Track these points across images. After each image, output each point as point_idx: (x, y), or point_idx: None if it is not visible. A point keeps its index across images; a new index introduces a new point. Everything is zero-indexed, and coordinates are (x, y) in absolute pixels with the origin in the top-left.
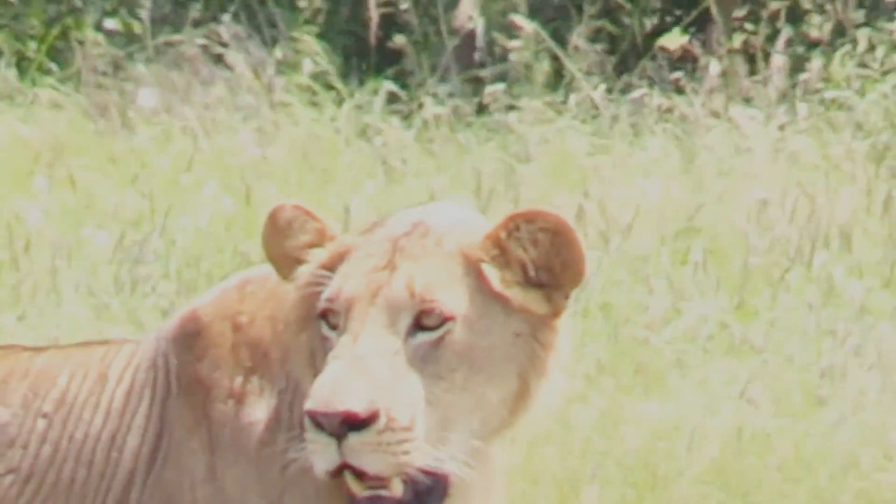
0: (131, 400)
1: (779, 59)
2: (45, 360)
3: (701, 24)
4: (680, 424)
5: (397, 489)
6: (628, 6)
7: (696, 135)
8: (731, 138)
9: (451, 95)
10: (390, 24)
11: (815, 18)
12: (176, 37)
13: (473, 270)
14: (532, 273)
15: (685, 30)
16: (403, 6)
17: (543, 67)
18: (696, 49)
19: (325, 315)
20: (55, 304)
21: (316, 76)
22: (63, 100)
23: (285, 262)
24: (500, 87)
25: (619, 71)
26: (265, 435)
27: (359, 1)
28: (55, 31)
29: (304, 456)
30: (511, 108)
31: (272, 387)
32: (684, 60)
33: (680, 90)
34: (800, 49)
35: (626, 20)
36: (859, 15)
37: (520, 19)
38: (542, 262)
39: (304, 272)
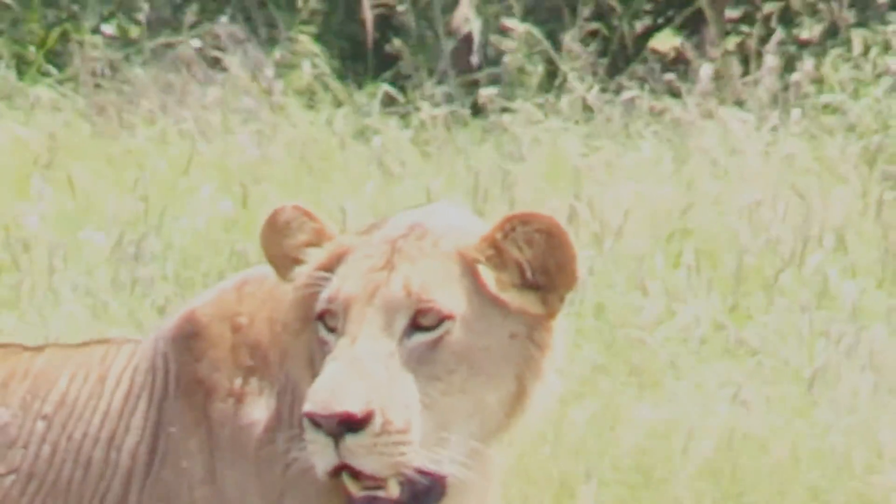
0: (130, 401)
1: (771, 60)
2: (44, 362)
3: (694, 26)
4: (674, 425)
5: (394, 490)
6: (620, 8)
7: (688, 136)
8: (723, 140)
9: (448, 98)
10: (387, 26)
11: (807, 21)
12: (173, 39)
13: (470, 271)
14: (528, 274)
15: (678, 31)
16: (400, 9)
17: (537, 69)
18: (689, 51)
19: (323, 316)
20: (53, 305)
21: (313, 78)
22: (61, 102)
23: (284, 263)
24: (494, 89)
25: (612, 72)
26: (264, 435)
27: (356, 3)
28: (54, 34)
29: (303, 456)
30: (505, 109)
31: (271, 387)
32: (677, 62)
33: (672, 92)
34: (792, 49)
35: (619, 22)
36: (851, 15)
37: (513, 22)
38: (538, 264)
39: (302, 273)
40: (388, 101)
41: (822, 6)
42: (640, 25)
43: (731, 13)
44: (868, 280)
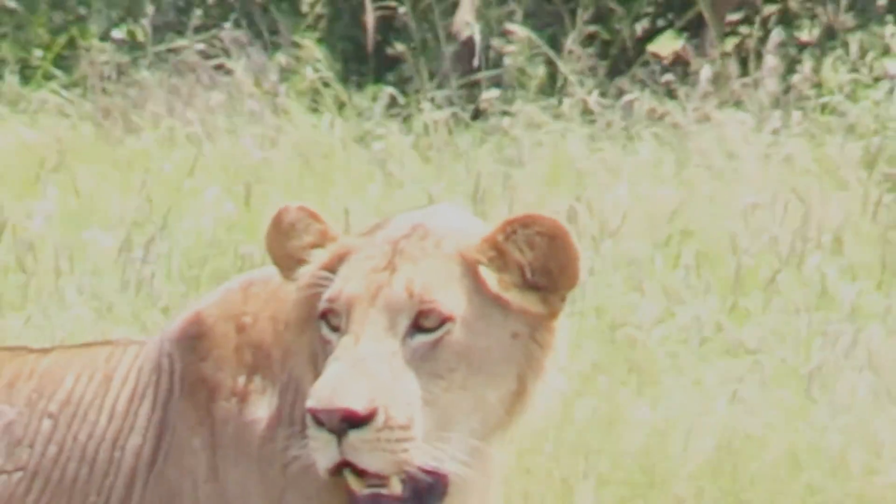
0: (135, 401)
1: (770, 61)
2: (50, 361)
3: (694, 29)
4: (673, 424)
5: (396, 487)
6: (620, 10)
7: (688, 138)
8: (723, 142)
9: (449, 101)
10: (389, 29)
11: (807, 23)
12: (178, 43)
13: (471, 272)
14: (529, 275)
15: (678, 33)
16: (402, 12)
17: (538, 72)
18: (689, 53)
19: (325, 315)
20: (59, 306)
21: (317, 79)
22: (68, 106)
23: (288, 263)
24: (496, 92)
25: (612, 76)
26: (267, 433)
27: (359, 7)
28: (61, 39)
29: (305, 454)
30: (506, 112)
31: (274, 386)
32: (676, 64)
33: (672, 94)
34: (792, 51)
35: (619, 25)
36: (849, 18)
37: (514, 25)
38: (539, 265)
39: (305, 273)
40: (391, 104)
41: (819, 10)
42: (640, 28)
43: (731, 16)
44: (866, 281)
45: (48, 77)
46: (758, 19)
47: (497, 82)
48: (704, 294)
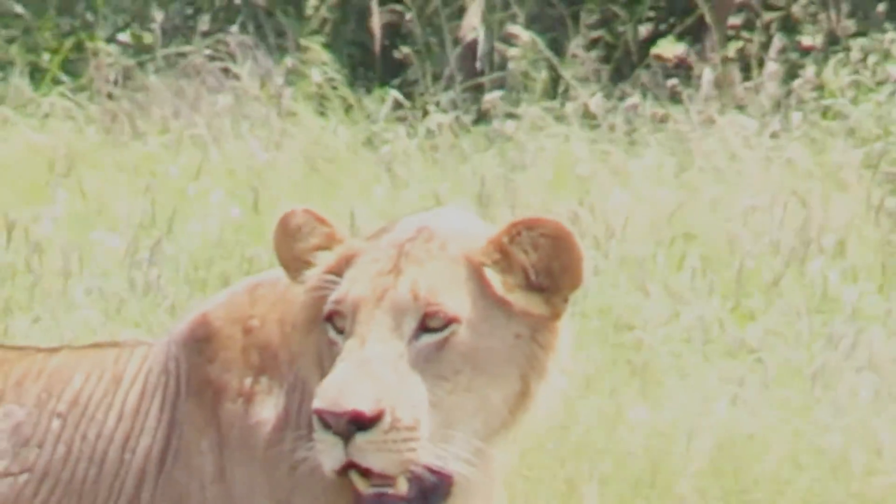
0: (144, 402)
1: (772, 66)
2: (59, 362)
3: (696, 33)
4: (676, 425)
5: (402, 487)
6: (624, 14)
7: (690, 142)
8: (725, 146)
9: (453, 104)
10: (395, 34)
11: (808, 28)
12: (185, 47)
13: (476, 274)
14: (533, 277)
15: (680, 38)
16: (408, 17)
17: (541, 76)
18: (691, 57)
19: (331, 318)
20: (67, 307)
21: (324, 82)
22: (76, 110)
23: (295, 265)
24: (499, 94)
25: (616, 79)
26: (274, 435)
27: (365, 11)
28: (69, 43)
29: (312, 455)
30: (510, 115)
31: (281, 388)
32: (679, 68)
33: (675, 98)
34: (794, 55)
35: (622, 29)
36: (851, 24)
37: (518, 29)
38: (543, 267)
39: (311, 275)
40: (396, 108)
41: (821, 15)
42: (643, 32)
43: (733, 20)
44: (868, 284)
45: (56, 81)
46: (759, 24)
47: (500, 86)
48: (707, 296)
